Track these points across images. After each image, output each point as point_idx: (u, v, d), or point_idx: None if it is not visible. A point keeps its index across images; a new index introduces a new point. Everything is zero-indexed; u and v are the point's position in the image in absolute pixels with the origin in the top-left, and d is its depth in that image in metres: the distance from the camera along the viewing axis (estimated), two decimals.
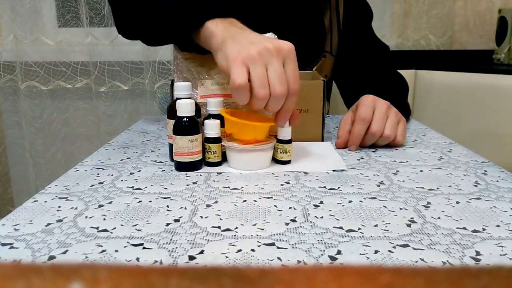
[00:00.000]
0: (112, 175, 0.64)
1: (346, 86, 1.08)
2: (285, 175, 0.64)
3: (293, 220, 0.48)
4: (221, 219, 0.49)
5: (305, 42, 1.01)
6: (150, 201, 0.54)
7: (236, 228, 0.47)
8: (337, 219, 0.49)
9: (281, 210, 0.51)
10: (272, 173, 0.64)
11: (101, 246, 0.43)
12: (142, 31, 0.82)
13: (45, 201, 0.54)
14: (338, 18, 1.03)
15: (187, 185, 0.60)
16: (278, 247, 0.42)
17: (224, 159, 0.68)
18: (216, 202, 0.54)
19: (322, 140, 0.81)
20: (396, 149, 0.77)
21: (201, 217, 0.49)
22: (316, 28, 1.02)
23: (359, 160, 0.71)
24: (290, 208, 0.52)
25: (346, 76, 1.06)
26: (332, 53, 1.04)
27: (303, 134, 0.79)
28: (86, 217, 0.50)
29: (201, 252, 0.42)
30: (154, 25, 0.76)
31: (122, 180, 0.62)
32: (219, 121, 0.66)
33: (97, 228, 0.47)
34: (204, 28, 0.66)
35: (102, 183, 0.61)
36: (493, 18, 1.60)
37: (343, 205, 0.53)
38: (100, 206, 0.53)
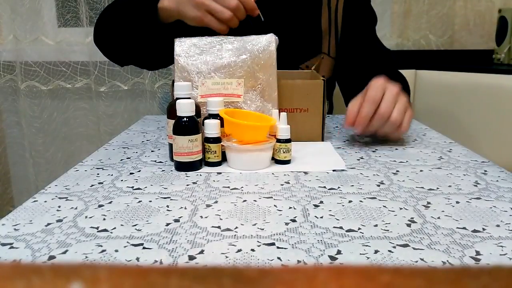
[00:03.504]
0: (112, 175, 0.64)
1: (348, 89, 1.07)
2: (285, 175, 0.64)
3: (293, 220, 0.48)
4: (221, 219, 0.49)
5: (300, 42, 1.01)
6: (150, 201, 0.54)
7: (236, 228, 0.47)
8: (337, 219, 0.49)
9: (281, 210, 0.51)
10: (272, 173, 0.64)
11: (101, 246, 0.43)
12: (127, 47, 0.96)
13: (45, 201, 0.54)
14: (336, 22, 1.03)
15: (187, 185, 0.60)
16: (278, 247, 0.42)
17: (224, 159, 0.68)
18: (216, 202, 0.54)
19: (322, 140, 0.81)
20: (396, 149, 0.77)
21: (201, 217, 0.49)
22: (312, 29, 1.02)
23: (359, 160, 0.71)
24: (290, 208, 0.52)
25: (349, 78, 1.06)
26: (329, 54, 1.04)
27: (303, 134, 0.79)
28: (86, 217, 0.50)
29: (201, 252, 0.42)
30: (127, 31, 0.93)
31: (122, 180, 0.62)
32: (219, 121, 0.66)
33: (97, 228, 0.47)
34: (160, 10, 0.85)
35: (102, 183, 0.61)
36: (493, 18, 1.60)
37: (343, 205, 0.53)
38: (100, 206, 0.53)
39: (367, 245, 0.43)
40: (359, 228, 0.46)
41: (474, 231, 0.46)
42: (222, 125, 0.66)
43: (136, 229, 0.47)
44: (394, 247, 0.42)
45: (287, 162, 0.68)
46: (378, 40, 1.08)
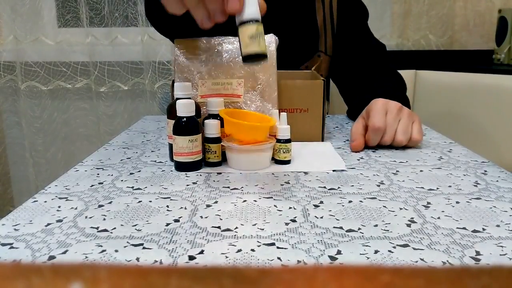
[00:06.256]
0: (112, 175, 0.64)
1: (345, 86, 1.07)
2: (285, 175, 0.64)
3: (293, 220, 0.48)
4: (221, 219, 0.49)
5: (297, 41, 1.02)
6: (150, 201, 0.54)
7: (236, 228, 0.47)
8: (337, 219, 0.49)
9: (281, 210, 0.51)
10: (272, 173, 0.64)
11: (101, 246, 0.43)
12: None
13: (45, 201, 0.54)
14: (332, 18, 1.03)
15: (187, 185, 0.60)
16: (278, 247, 0.42)
17: (224, 159, 0.68)
18: (216, 202, 0.54)
19: (322, 140, 0.81)
20: (396, 149, 0.77)
21: (201, 217, 0.49)
22: (309, 28, 1.02)
23: (359, 160, 0.71)
24: (290, 208, 0.52)
25: (345, 75, 1.06)
26: (326, 53, 1.04)
27: (303, 134, 0.79)
28: (86, 217, 0.50)
29: (201, 252, 0.42)
30: None
31: (122, 180, 0.62)
32: (219, 121, 0.66)
33: (97, 228, 0.47)
34: None
35: (102, 183, 0.61)
36: (493, 18, 1.60)
37: (343, 205, 0.53)
38: (100, 206, 0.53)
39: (367, 245, 0.43)
40: (359, 228, 0.46)
41: (474, 231, 0.46)
42: (222, 125, 0.66)
43: (136, 229, 0.47)
44: (394, 247, 0.42)
45: (287, 162, 0.68)
46: (371, 35, 1.08)
